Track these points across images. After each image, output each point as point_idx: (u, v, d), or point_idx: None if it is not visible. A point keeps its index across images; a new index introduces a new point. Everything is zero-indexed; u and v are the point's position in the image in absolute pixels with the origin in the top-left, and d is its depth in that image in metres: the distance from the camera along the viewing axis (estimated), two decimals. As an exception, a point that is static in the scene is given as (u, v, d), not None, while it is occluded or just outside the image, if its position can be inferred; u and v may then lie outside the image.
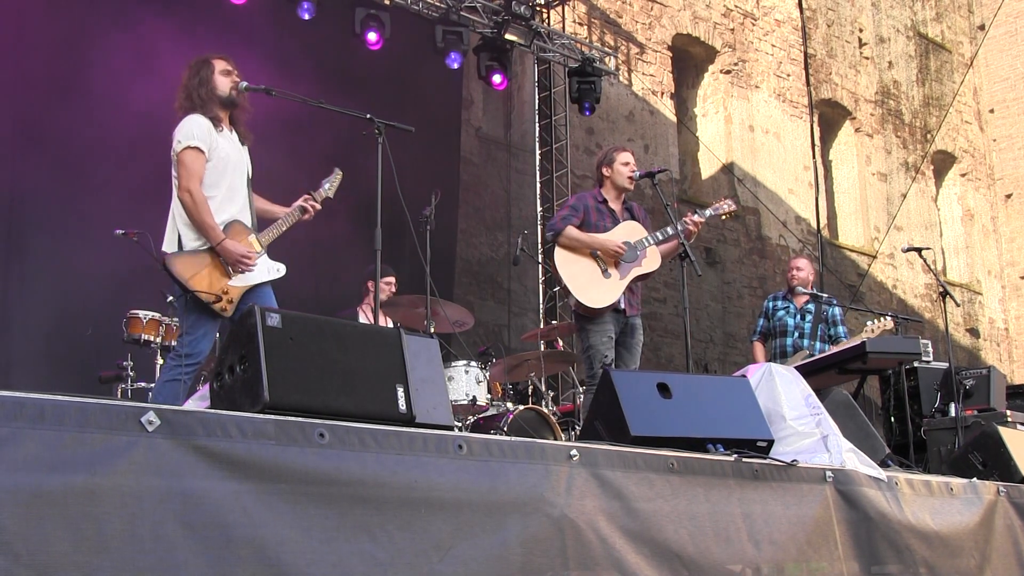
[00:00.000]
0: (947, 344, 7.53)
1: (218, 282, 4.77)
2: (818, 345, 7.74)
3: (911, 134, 18.29)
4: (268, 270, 5.00)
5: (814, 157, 16.12)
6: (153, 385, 6.58)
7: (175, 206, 4.86)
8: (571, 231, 6.12)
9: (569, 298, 6.16)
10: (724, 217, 6.60)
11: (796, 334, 7.85)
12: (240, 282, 4.84)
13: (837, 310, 7.93)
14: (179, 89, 5.00)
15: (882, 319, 7.49)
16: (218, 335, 5.18)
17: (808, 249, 15.48)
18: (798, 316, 7.89)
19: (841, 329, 7.83)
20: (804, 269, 8.02)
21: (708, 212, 6.42)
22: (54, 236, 7.92)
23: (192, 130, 4.81)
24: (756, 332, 8.23)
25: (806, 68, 16.31)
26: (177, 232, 4.82)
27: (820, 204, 16.02)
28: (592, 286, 6.07)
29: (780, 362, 7.27)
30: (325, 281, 9.08)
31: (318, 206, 5.23)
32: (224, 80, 4.98)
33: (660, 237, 6.26)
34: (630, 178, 6.33)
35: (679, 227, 6.01)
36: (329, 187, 5.38)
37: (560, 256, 6.14)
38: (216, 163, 4.86)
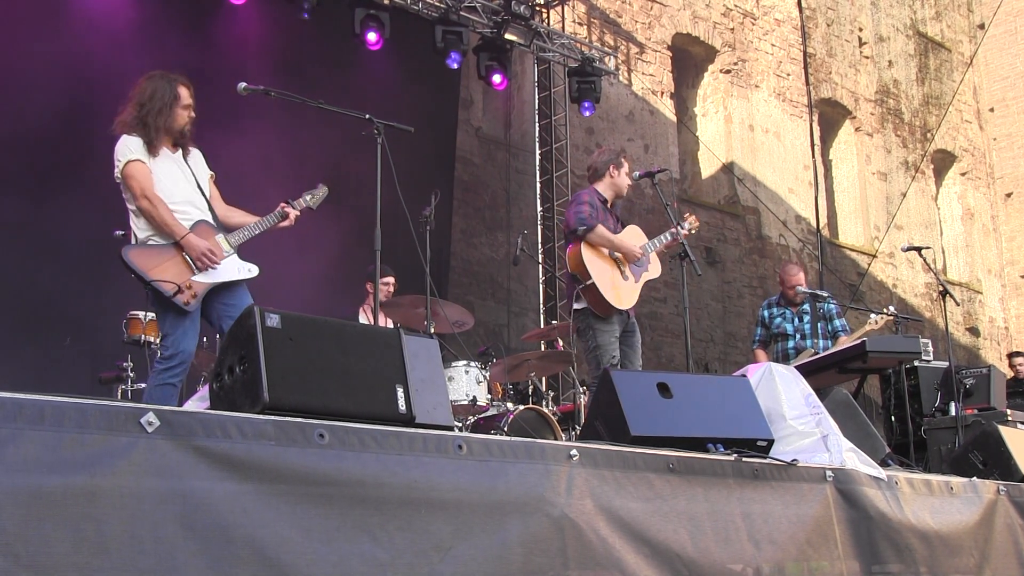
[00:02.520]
0: (947, 343, 7.53)
1: (181, 275, 4.74)
2: (821, 343, 7.75)
3: (911, 133, 18.30)
4: (238, 269, 4.96)
5: (813, 156, 16.13)
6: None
7: (133, 225, 4.88)
8: (602, 229, 6.12)
9: (590, 295, 6.10)
10: (690, 232, 6.53)
11: (797, 336, 7.87)
12: (205, 278, 4.81)
13: (833, 305, 7.94)
14: (129, 102, 4.97)
15: (885, 310, 7.55)
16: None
17: (808, 248, 15.49)
18: (796, 319, 7.92)
19: (838, 323, 7.85)
20: (802, 281, 8.03)
21: (684, 228, 6.40)
22: (54, 236, 7.92)
23: (129, 146, 4.85)
24: (756, 340, 8.26)
25: (805, 67, 16.32)
26: (137, 240, 4.86)
27: (820, 203, 16.02)
28: (616, 287, 6.11)
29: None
30: (325, 281, 9.08)
31: (297, 213, 5.21)
32: (183, 114, 4.99)
33: (659, 243, 6.34)
34: (629, 185, 6.43)
35: (677, 231, 6.07)
36: (311, 199, 5.37)
37: (587, 253, 6.12)
38: (160, 178, 4.87)
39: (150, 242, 4.82)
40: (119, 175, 4.84)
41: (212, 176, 5.24)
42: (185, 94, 4.99)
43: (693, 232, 6.63)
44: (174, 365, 4.71)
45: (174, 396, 4.72)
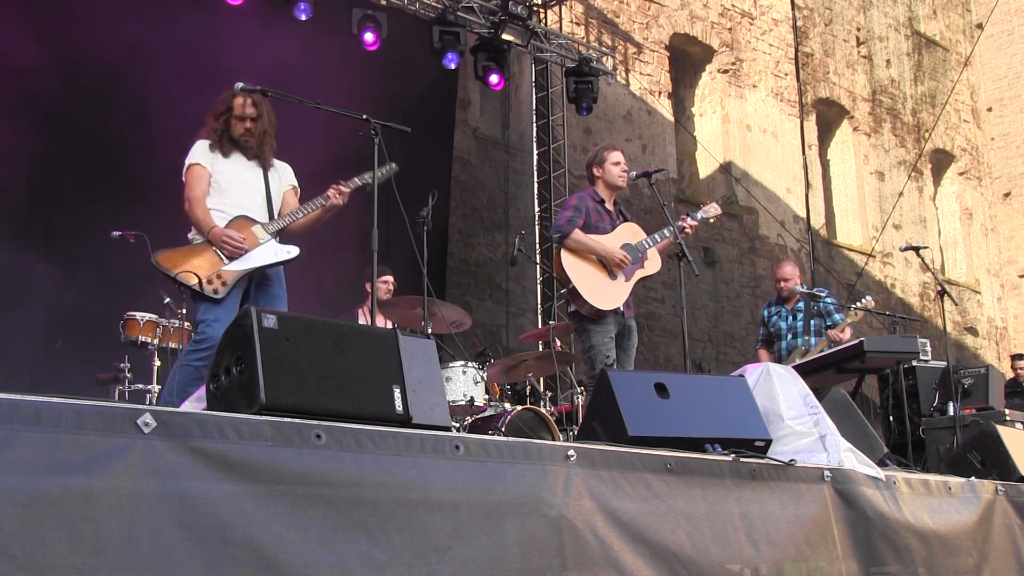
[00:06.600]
0: (945, 343, 7.53)
1: (211, 268, 4.91)
2: (813, 340, 7.76)
3: (908, 133, 18.31)
4: (276, 253, 5.10)
5: (804, 156, 16.11)
6: (151, 386, 6.62)
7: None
8: (578, 234, 6.12)
9: (576, 299, 6.14)
10: (712, 220, 6.62)
11: (790, 335, 7.91)
12: (237, 266, 4.96)
13: (830, 301, 7.94)
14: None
15: (864, 299, 7.59)
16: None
17: (806, 248, 15.49)
18: (790, 317, 7.96)
19: (838, 317, 7.85)
20: (791, 278, 8.07)
21: (699, 215, 6.47)
22: (53, 236, 7.92)
23: (194, 151, 5.16)
24: (759, 340, 8.32)
25: (797, 67, 16.31)
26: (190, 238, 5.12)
27: (812, 202, 16.01)
28: (601, 288, 6.09)
29: None
30: (324, 282, 9.08)
31: (346, 191, 5.26)
32: (236, 125, 5.18)
33: (659, 239, 6.30)
34: (622, 176, 6.37)
35: (675, 228, 6.05)
36: (376, 175, 5.13)
37: (567, 258, 6.14)
38: (218, 179, 5.11)
39: (194, 241, 5.03)
40: (183, 177, 5.12)
41: (295, 188, 5.42)
42: (238, 104, 5.17)
43: (712, 222, 6.66)
44: (201, 349, 4.87)
45: (196, 379, 4.81)
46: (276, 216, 5.22)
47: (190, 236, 5.08)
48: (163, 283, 5.53)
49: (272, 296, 5.14)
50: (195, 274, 4.84)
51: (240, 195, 5.13)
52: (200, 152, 5.13)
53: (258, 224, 5.10)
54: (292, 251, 5.14)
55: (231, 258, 4.94)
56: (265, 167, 5.27)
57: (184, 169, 5.12)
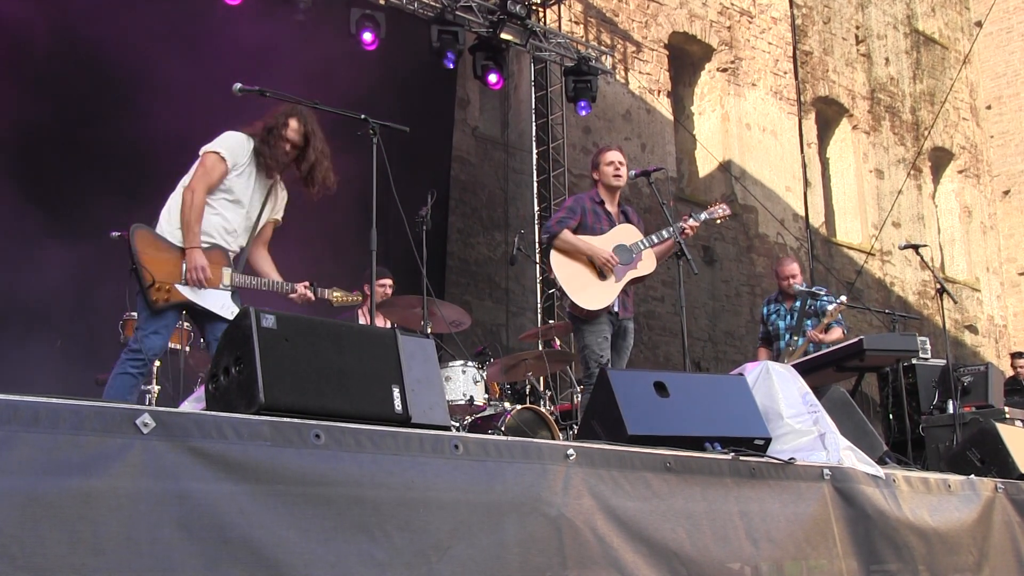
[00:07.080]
0: (945, 341, 7.53)
1: (167, 277, 4.79)
2: (800, 340, 7.76)
3: (908, 131, 18.31)
4: (223, 306, 4.95)
5: (803, 153, 16.12)
6: (150, 387, 6.62)
7: (172, 198, 4.95)
8: (566, 234, 6.13)
9: (565, 299, 6.18)
10: (719, 221, 6.60)
11: (788, 335, 7.91)
12: (188, 292, 4.84)
13: (826, 300, 7.91)
14: (267, 116, 5.11)
15: (840, 298, 7.61)
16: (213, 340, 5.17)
17: (805, 246, 15.49)
18: (788, 317, 7.97)
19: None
20: (798, 275, 8.06)
21: (703, 216, 6.42)
22: (51, 236, 7.91)
23: (228, 141, 5.00)
24: (759, 338, 8.32)
25: (796, 65, 16.31)
26: (159, 221, 4.93)
27: (811, 201, 16.02)
28: (588, 288, 6.08)
29: None
30: (323, 283, 9.07)
31: (311, 298, 5.25)
32: (281, 145, 5.06)
33: (655, 240, 6.28)
34: (616, 177, 6.37)
35: (674, 230, 6.03)
36: (339, 297, 5.41)
37: (556, 259, 6.16)
38: (233, 183, 4.99)
39: (165, 234, 4.87)
40: (201, 153, 4.95)
41: (276, 222, 5.33)
42: (293, 123, 5.05)
43: (720, 222, 6.65)
44: (136, 359, 4.78)
45: (133, 386, 4.79)
46: (248, 242, 5.15)
47: (164, 228, 4.90)
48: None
49: (215, 334, 4.88)
50: (151, 274, 4.73)
51: (232, 214, 5.01)
52: (231, 144, 4.99)
53: (228, 269, 4.99)
54: (235, 312, 4.88)
55: (188, 283, 4.83)
56: (273, 189, 5.18)
57: (206, 149, 4.96)
